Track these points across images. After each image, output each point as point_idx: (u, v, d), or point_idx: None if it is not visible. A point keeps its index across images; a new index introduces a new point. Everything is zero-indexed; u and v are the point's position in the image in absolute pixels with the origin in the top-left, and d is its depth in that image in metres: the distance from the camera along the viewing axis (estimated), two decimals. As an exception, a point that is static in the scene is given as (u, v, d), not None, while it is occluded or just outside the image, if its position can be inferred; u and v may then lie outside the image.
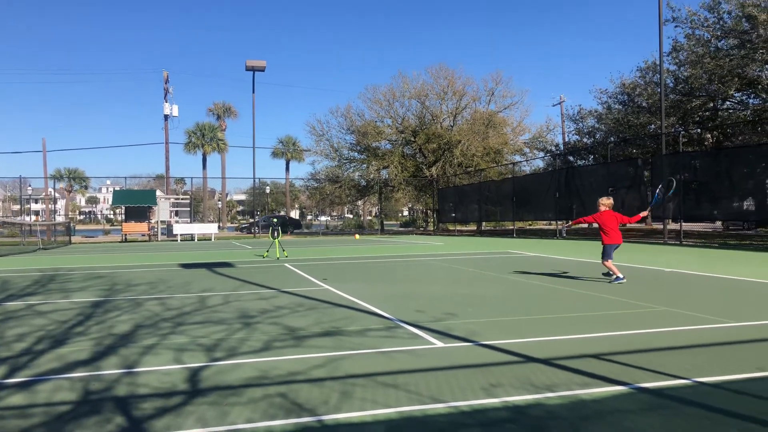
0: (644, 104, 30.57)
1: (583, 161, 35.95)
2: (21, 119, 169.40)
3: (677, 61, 28.24)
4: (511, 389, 3.81)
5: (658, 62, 25.19)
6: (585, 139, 36.77)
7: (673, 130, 27.45)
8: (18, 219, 43.15)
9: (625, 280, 9.33)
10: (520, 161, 43.22)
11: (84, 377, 4.31)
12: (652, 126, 30.17)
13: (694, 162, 21.12)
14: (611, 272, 9.55)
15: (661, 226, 25.79)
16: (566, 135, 44.65)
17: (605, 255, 9.70)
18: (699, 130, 28.84)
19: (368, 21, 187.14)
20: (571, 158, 37.14)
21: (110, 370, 4.51)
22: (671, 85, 28.77)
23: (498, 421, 3.27)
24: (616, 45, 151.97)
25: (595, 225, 10.11)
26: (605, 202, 10.04)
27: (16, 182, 47.31)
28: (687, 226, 24.67)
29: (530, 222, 41.79)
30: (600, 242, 9.96)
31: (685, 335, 5.48)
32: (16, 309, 7.71)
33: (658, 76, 25.21)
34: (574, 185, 26.58)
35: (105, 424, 3.32)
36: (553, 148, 42.24)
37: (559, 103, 51.69)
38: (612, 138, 33.09)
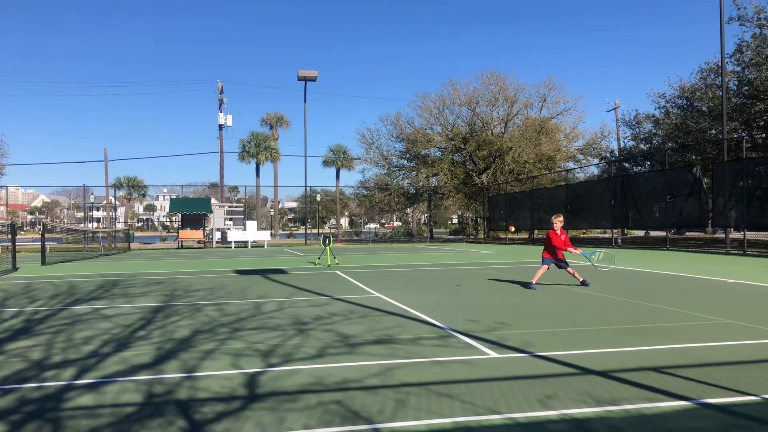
0: (704, 108, 29.45)
1: (640, 168, 34.95)
2: (85, 130, 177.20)
3: (741, 62, 26.99)
4: (569, 402, 3.74)
5: (720, 63, 24.25)
6: (641, 145, 35.75)
7: (735, 135, 26.37)
8: (81, 226, 45.02)
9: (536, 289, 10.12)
10: (574, 168, 42.36)
11: (147, 380, 4.46)
12: (713, 131, 29.06)
13: (758, 168, 20.26)
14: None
15: (723, 235, 24.75)
16: (622, 141, 43.55)
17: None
18: (764, 135, 27.54)
19: (419, 29, 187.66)
20: (626, 165, 36.16)
21: (172, 374, 4.65)
22: (734, 87, 27.60)
23: (556, 434, 3.21)
24: (675, 48, 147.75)
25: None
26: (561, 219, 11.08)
27: (80, 191, 49.33)
28: (751, 235, 23.60)
29: (584, 230, 40.87)
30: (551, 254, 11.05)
31: (752, 349, 5.26)
32: (84, 312, 8.05)
33: (721, 79, 24.25)
34: (630, 192, 25.91)
35: (168, 426, 3.43)
36: (608, 155, 41.20)
37: (614, 109, 50.47)
38: (670, 144, 32.06)
